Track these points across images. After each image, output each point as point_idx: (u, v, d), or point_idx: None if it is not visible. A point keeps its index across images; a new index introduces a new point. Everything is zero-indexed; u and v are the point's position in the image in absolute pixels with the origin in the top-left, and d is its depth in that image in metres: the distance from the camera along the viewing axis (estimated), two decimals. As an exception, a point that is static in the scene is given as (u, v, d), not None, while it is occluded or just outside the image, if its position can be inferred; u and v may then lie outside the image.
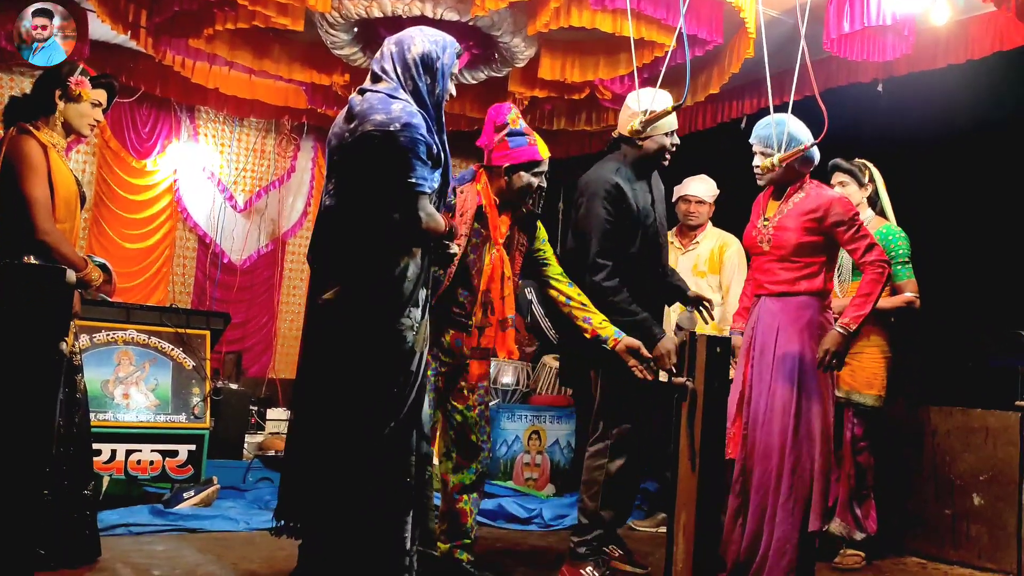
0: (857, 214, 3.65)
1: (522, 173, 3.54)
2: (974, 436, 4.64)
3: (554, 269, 3.69)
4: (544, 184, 3.66)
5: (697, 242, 5.25)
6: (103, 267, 5.89)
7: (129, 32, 5.43)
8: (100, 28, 5.53)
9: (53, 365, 1.88)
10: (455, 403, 3.57)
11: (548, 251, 3.74)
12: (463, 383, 3.58)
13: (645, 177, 3.88)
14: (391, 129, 2.73)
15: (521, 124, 3.58)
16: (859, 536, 4.46)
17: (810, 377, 3.59)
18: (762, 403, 3.65)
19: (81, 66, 3.46)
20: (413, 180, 2.75)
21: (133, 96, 6.76)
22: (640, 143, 3.76)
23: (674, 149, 3.86)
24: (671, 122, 3.78)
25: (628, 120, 3.73)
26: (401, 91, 2.86)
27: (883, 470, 4.65)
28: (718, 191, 5.27)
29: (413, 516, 2.83)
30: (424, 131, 2.79)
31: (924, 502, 4.79)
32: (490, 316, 3.55)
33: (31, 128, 3.30)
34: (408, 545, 2.80)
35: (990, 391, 4.52)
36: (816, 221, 3.59)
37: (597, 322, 3.56)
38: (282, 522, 2.88)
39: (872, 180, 4.57)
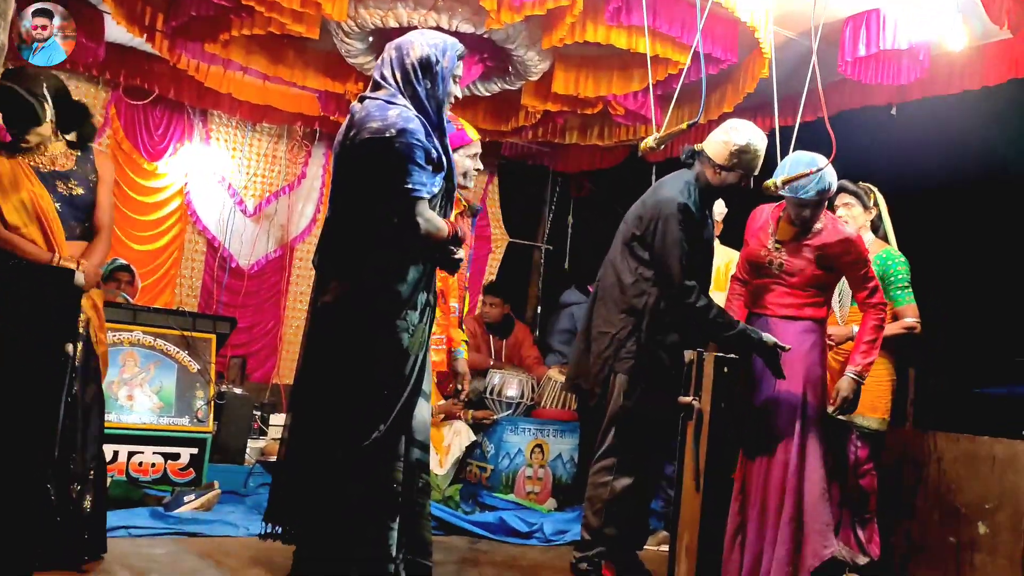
0: (868, 257, 3.81)
1: (455, 157, 3.51)
2: (981, 464, 4.61)
3: None
4: (480, 166, 3.77)
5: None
6: (127, 268, 5.95)
7: (145, 35, 5.44)
8: (116, 30, 5.54)
9: (58, 365, 1.87)
10: None
11: None
12: None
13: (708, 204, 3.92)
14: (387, 135, 2.75)
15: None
16: (862, 561, 4.42)
17: (811, 401, 3.65)
18: (763, 424, 3.66)
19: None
20: (410, 185, 2.76)
21: (147, 99, 6.77)
22: (721, 172, 3.77)
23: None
24: (755, 166, 3.81)
25: (721, 146, 3.71)
26: (399, 96, 2.87)
27: (887, 495, 4.62)
28: (726, 209, 5.28)
29: (400, 523, 2.82)
30: (422, 136, 2.80)
31: (928, 529, 4.76)
32: (440, 304, 3.57)
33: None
34: (393, 552, 2.79)
35: (997, 419, 4.50)
36: (834, 256, 3.72)
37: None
38: (269, 527, 2.88)
39: (876, 204, 4.59)
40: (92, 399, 3.44)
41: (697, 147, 3.80)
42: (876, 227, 4.60)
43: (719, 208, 5.29)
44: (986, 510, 4.56)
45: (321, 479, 2.78)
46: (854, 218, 4.44)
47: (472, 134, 3.64)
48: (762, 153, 3.77)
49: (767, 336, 3.64)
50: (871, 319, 3.77)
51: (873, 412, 4.40)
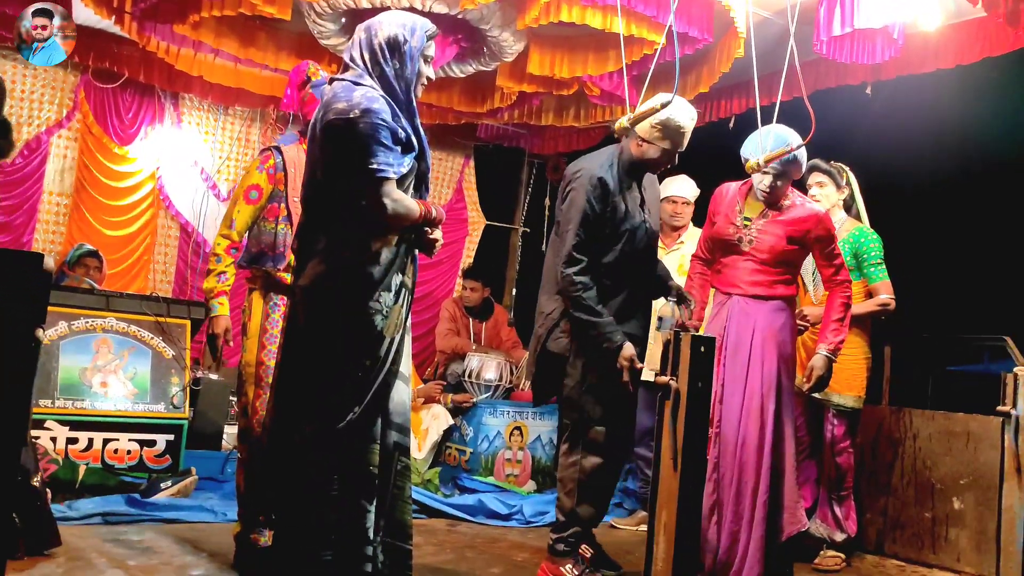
0: (835, 234, 3.83)
1: None
2: (956, 440, 4.65)
3: None
4: None
5: (682, 241, 5.29)
6: (94, 254, 5.86)
7: (113, 17, 5.35)
8: (84, 12, 5.45)
9: (30, 351, 1.85)
10: None
11: None
12: None
13: (636, 177, 3.85)
14: (351, 116, 2.74)
15: (322, 74, 3.66)
16: (839, 537, 4.47)
17: (783, 380, 3.71)
18: (735, 402, 3.69)
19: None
20: (375, 166, 2.74)
21: (116, 82, 6.68)
22: (643, 144, 3.74)
23: (669, 166, 3.83)
24: (678, 141, 3.75)
25: (643, 117, 3.64)
26: (367, 77, 2.86)
27: (864, 473, 4.66)
28: (699, 190, 5.29)
29: (378, 506, 2.81)
30: (387, 116, 2.78)
31: (904, 505, 4.81)
32: None
33: None
34: (371, 535, 2.78)
35: (973, 396, 4.54)
36: (802, 232, 3.73)
37: None
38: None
39: (848, 183, 4.61)
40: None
41: (617, 124, 3.74)
42: (848, 206, 4.63)
43: (693, 190, 5.28)
44: (961, 485, 4.61)
45: (295, 461, 2.77)
46: (827, 196, 4.47)
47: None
48: (688, 129, 3.67)
49: (628, 347, 3.61)
50: (838, 296, 3.80)
51: (849, 390, 4.43)
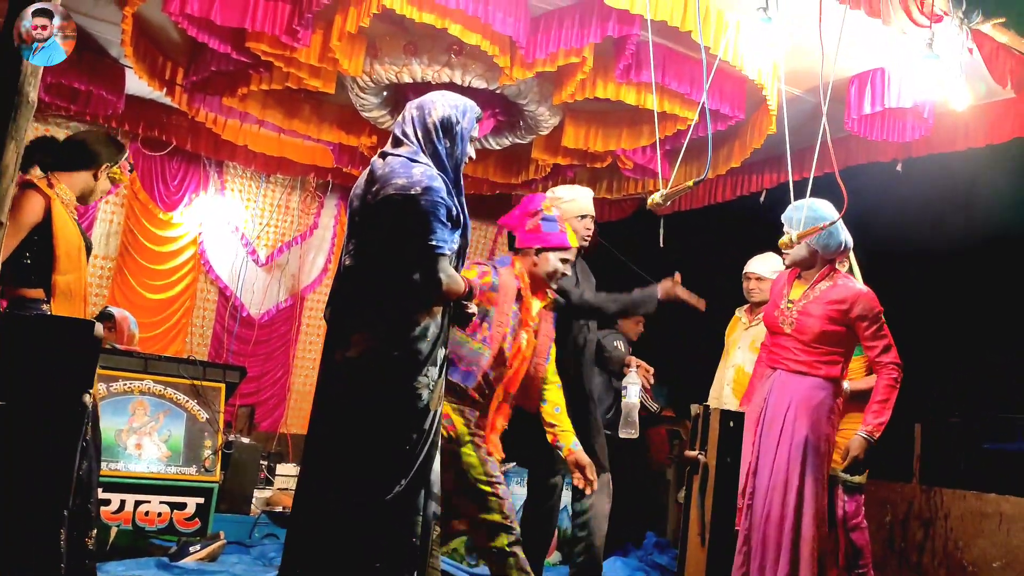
0: (882, 312, 3.74)
1: (550, 256, 3.68)
2: (987, 521, 4.57)
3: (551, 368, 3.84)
4: (569, 272, 3.83)
5: (760, 316, 5.22)
6: (108, 316, 5.92)
7: (164, 89, 5.56)
8: (135, 83, 5.66)
9: (76, 416, 1.91)
10: None
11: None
12: None
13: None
14: (412, 193, 2.80)
15: (554, 211, 3.76)
16: (866, 617, 4.37)
17: (813, 457, 3.67)
18: (766, 475, 3.67)
19: (128, 151, 3.63)
20: (434, 243, 2.80)
21: (164, 150, 6.90)
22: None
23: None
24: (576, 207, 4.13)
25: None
26: (421, 155, 2.93)
27: (894, 552, 4.59)
28: (782, 267, 5.23)
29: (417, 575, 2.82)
30: (444, 194, 2.85)
31: (938, 587, 4.72)
32: (498, 387, 3.62)
33: (38, 182, 3.36)
34: None
35: (1007, 475, 4.48)
36: (841, 312, 3.70)
37: (560, 431, 3.75)
38: None
39: (848, 257, 4.60)
40: (96, 446, 3.51)
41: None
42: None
43: (771, 266, 5.04)
44: (994, 568, 4.51)
45: (340, 533, 2.78)
46: None
47: (572, 240, 3.78)
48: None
49: (662, 285, 4.01)
50: (884, 378, 3.73)
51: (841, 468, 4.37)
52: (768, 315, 3.92)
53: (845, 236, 3.78)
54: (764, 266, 5.24)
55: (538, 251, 3.69)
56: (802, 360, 3.73)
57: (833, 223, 3.62)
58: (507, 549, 3.52)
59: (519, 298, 3.68)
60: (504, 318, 3.58)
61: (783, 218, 3.80)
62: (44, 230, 3.32)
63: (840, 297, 3.73)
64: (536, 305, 3.73)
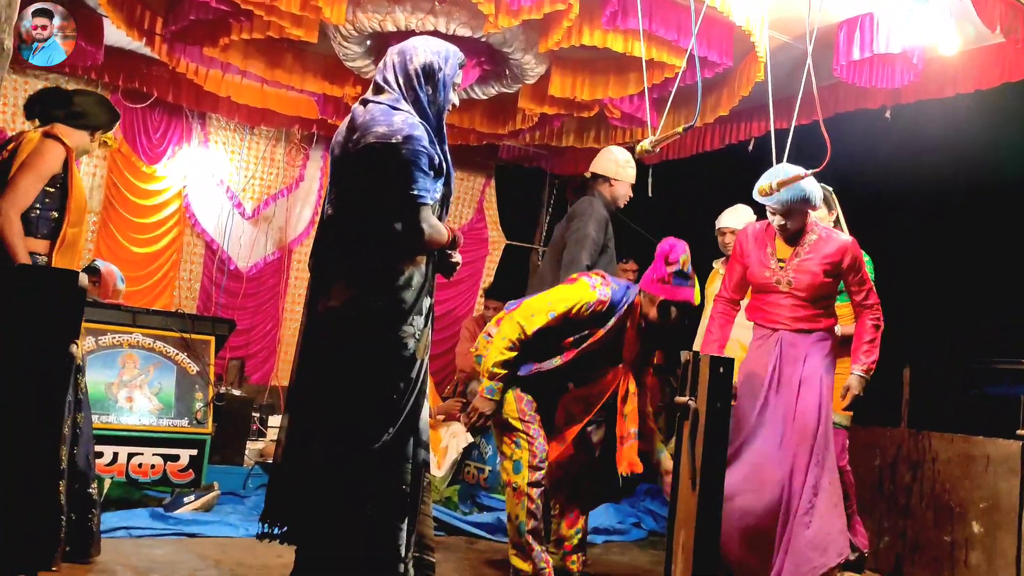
0: (863, 260, 3.93)
1: (673, 309, 3.72)
2: (975, 464, 4.64)
3: None
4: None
5: None
6: (94, 271, 5.88)
7: (144, 39, 5.47)
8: (115, 34, 5.57)
9: (64, 367, 1.90)
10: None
11: None
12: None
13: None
14: (393, 141, 2.77)
15: (689, 268, 3.76)
16: (853, 556, 4.46)
17: (828, 403, 3.85)
18: (776, 428, 3.76)
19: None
20: (415, 192, 2.79)
21: (146, 102, 6.80)
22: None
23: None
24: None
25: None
26: (403, 102, 2.89)
27: (882, 494, 4.66)
28: (754, 217, 5.24)
29: (408, 523, 2.85)
30: (426, 143, 2.82)
31: (923, 528, 4.79)
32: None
33: (59, 135, 3.40)
34: (404, 552, 2.82)
35: (991, 419, 4.53)
36: (834, 265, 3.86)
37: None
38: (267, 527, 2.90)
39: (835, 205, 4.63)
40: (84, 396, 3.53)
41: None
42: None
43: (743, 219, 5.13)
44: (981, 509, 4.59)
45: (329, 482, 2.80)
46: (820, 220, 4.49)
47: (697, 298, 3.79)
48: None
49: None
50: (868, 318, 3.93)
51: (840, 408, 4.45)
52: (756, 275, 3.96)
53: (808, 188, 3.83)
54: (736, 219, 5.27)
55: (663, 303, 3.71)
56: (802, 316, 3.88)
57: (814, 171, 3.63)
58: (523, 488, 3.62)
59: (620, 331, 3.78)
60: (599, 347, 3.76)
61: (758, 187, 3.81)
62: (61, 181, 3.38)
63: (833, 250, 3.88)
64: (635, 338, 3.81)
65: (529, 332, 3.70)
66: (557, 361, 3.77)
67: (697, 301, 3.78)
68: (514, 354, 3.70)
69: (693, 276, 3.78)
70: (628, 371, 3.79)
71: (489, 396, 3.71)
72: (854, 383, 3.91)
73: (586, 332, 3.76)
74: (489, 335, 3.91)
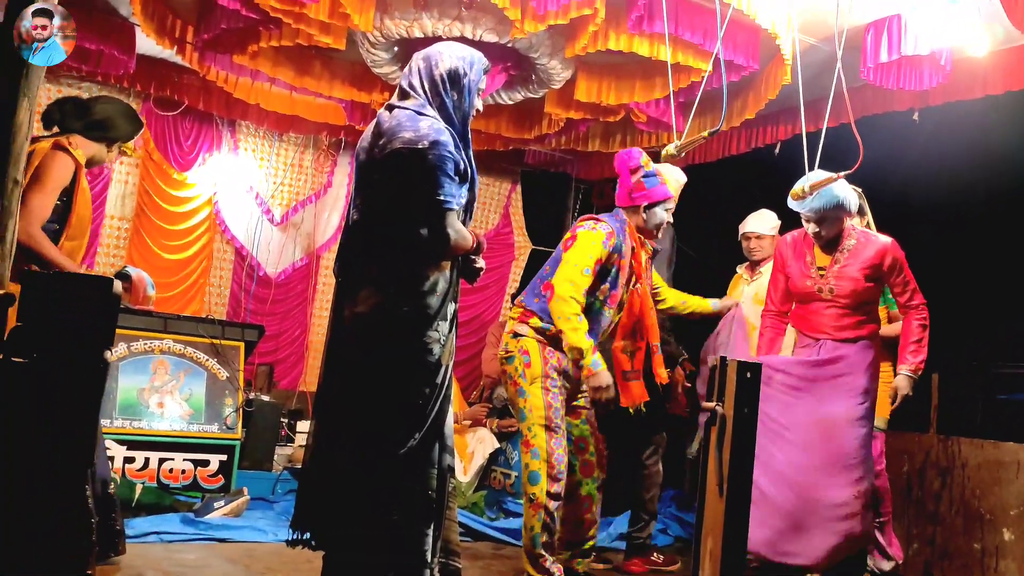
0: (905, 260, 3.90)
1: (656, 209, 3.87)
2: (1005, 470, 4.59)
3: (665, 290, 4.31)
4: (671, 219, 4.01)
5: (761, 272, 5.19)
6: (125, 277, 5.94)
7: (175, 47, 5.54)
8: (146, 42, 5.64)
9: (99, 373, 1.94)
10: (571, 419, 3.86)
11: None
12: (575, 403, 3.88)
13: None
14: (420, 147, 2.78)
15: (652, 166, 3.90)
16: (887, 566, 4.41)
17: (871, 410, 3.86)
18: (821, 432, 3.74)
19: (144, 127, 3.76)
20: (441, 197, 2.80)
21: (177, 110, 6.89)
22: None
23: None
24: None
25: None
26: (428, 107, 2.90)
27: (911, 501, 4.62)
28: (778, 222, 5.20)
29: (434, 528, 2.86)
30: (452, 148, 2.83)
31: (953, 535, 4.75)
32: (639, 341, 3.86)
33: (68, 146, 3.40)
34: (429, 557, 2.83)
35: (1019, 425, 4.49)
36: (874, 268, 3.85)
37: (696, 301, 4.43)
38: (297, 533, 2.92)
39: (866, 209, 4.60)
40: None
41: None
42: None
43: (767, 224, 5.11)
44: (1011, 516, 4.54)
45: (355, 487, 2.81)
46: (854, 226, 4.46)
47: (673, 189, 3.96)
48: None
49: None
50: (914, 319, 3.91)
51: (878, 412, 4.41)
52: (798, 285, 3.95)
53: (841, 193, 3.81)
54: (761, 224, 5.22)
55: (646, 207, 3.85)
56: (845, 324, 3.86)
57: (846, 173, 3.61)
58: (541, 500, 3.60)
59: (632, 252, 3.87)
60: (626, 277, 3.81)
61: (791, 193, 3.79)
62: (67, 194, 3.37)
63: (872, 253, 3.87)
64: (643, 256, 3.93)
65: (581, 299, 3.67)
66: (609, 314, 3.81)
67: (674, 192, 3.95)
68: (585, 324, 3.64)
69: (660, 172, 3.90)
70: (644, 287, 3.91)
71: (598, 368, 3.61)
72: (903, 383, 3.92)
73: (614, 269, 3.79)
74: (516, 334, 3.86)
